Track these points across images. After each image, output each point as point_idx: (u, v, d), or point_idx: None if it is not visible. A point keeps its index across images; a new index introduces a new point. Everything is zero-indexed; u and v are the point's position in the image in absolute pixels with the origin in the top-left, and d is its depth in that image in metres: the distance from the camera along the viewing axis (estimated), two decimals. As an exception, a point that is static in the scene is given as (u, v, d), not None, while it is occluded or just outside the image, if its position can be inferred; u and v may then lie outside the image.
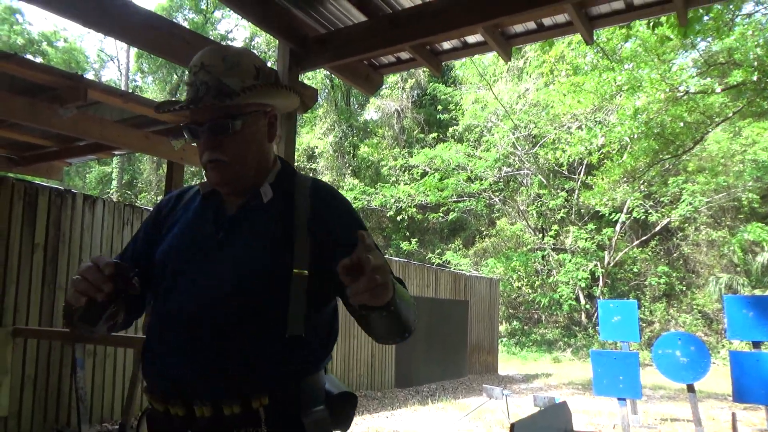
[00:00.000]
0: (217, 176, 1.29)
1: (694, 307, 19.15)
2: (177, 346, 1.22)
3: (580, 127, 17.48)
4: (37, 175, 6.08)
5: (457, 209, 20.70)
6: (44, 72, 3.41)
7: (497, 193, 21.07)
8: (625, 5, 3.02)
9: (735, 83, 11.62)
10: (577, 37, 3.97)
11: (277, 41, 3.45)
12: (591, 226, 19.79)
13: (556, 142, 18.31)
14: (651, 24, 5.41)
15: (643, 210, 18.41)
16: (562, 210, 20.34)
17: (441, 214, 20.86)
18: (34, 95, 3.60)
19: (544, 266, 20.42)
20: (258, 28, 4.80)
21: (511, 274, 20.33)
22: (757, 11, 12.24)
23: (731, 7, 10.53)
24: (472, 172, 19.58)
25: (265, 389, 1.19)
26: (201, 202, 1.37)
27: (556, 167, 19.90)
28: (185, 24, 25.54)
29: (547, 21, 3.20)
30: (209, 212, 1.34)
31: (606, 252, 19.66)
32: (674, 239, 20.67)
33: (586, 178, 19.47)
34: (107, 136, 4.02)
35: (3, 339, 4.90)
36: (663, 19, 5.18)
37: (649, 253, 20.32)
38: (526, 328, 21.37)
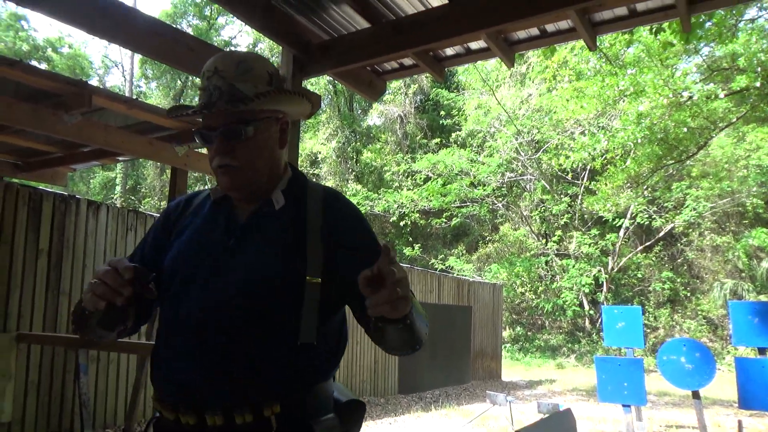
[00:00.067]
0: (228, 181, 1.29)
1: (699, 312, 19.06)
2: (187, 353, 1.21)
3: (583, 133, 17.46)
4: (42, 181, 6.10)
5: (460, 215, 20.68)
6: (49, 78, 3.43)
7: (500, 199, 21.05)
8: (628, 11, 3.02)
9: (738, 89, 11.60)
10: (580, 42, 3.96)
11: (281, 47, 3.47)
12: (594, 231, 19.75)
13: (559, 147, 18.29)
14: (653, 30, 5.41)
15: (646, 215, 18.37)
16: (566, 215, 20.31)
17: (444, 220, 20.85)
18: (38, 101, 3.62)
19: (548, 272, 20.37)
20: (261, 35, 4.82)
21: (515, 280, 20.29)
22: (760, 16, 12.24)
23: (734, 12, 10.53)
24: (475, 177, 19.57)
25: (277, 397, 1.18)
26: (211, 208, 1.36)
27: (559, 173, 19.88)
28: (189, 30, 25.66)
29: (550, 27, 3.20)
30: (220, 218, 1.33)
31: (610, 257, 19.61)
32: (678, 245, 20.60)
33: (590, 183, 19.44)
34: (111, 142, 4.03)
35: (7, 344, 4.91)
36: (665, 24, 5.18)
37: (653, 259, 20.25)
38: (529, 333, 21.30)
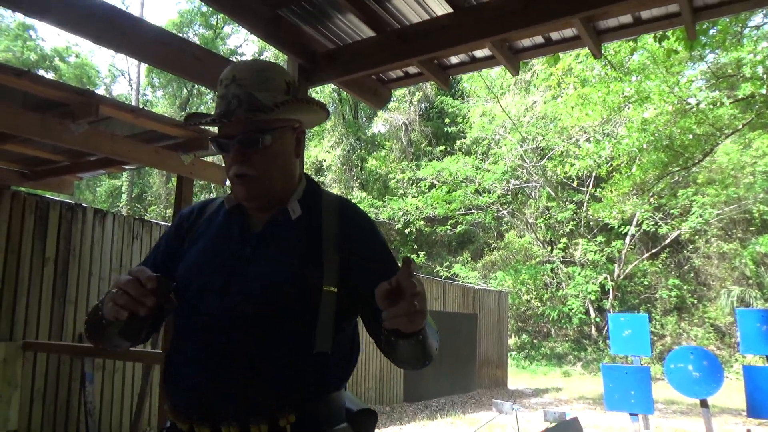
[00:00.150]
0: (244, 191, 1.28)
1: (706, 320, 18.93)
2: (202, 362, 1.20)
3: (588, 140, 17.45)
4: (48, 190, 6.12)
5: (465, 222, 20.66)
6: (57, 88, 3.44)
7: (505, 206, 21.03)
8: (633, 19, 3.02)
9: (744, 96, 11.58)
10: (585, 50, 3.98)
11: (286, 56, 3.48)
12: (600, 238, 19.68)
13: (564, 155, 18.27)
14: (658, 37, 5.40)
15: (652, 222, 18.29)
16: (571, 222, 20.25)
17: (449, 227, 20.83)
18: (46, 111, 3.64)
19: (553, 279, 20.30)
20: (266, 43, 4.84)
21: (520, 287, 20.22)
22: (765, 23, 12.22)
23: (740, 17, 10.52)
24: (480, 184, 19.56)
25: (292, 406, 1.17)
26: (225, 217, 1.36)
27: (564, 180, 19.85)
28: (195, 39, 25.85)
29: (554, 35, 3.20)
30: (234, 227, 1.33)
31: (616, 265, 19.52)
32: (685, 252, 20.50)
33: (595, 190, 19.39)
34: (118, 151, 4.04)
35: (13, 353, 4.92)
36: (669, 32, 5.18)
37: (660, 266, 20.15)
38: (535, 341, 21.20)
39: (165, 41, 2.93)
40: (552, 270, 20.14)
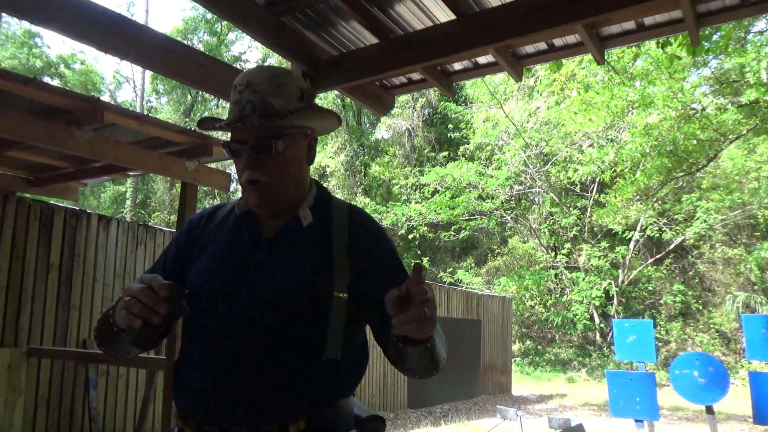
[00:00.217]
0: (256, 197, 1.28)
1: (711, 326, 18.84)
2: (213, 368, 1.20)
3: (591, 145, 17.43)
4: (53, 196, 6.15)
5: (468, 227, 20.65)
6: (62, 95, 3.47)
7: (509, 212, 21.01)
8: (636, 25, 3.02)
9: (748, 101, 11.57)
10: (588, 56, 3.98)
11: (290, 63, 3.49)
12: (604, 244, 19.63)
13: (567, 160, 18.25)
14: (661, 43, 5.40)
15: (657, 228, 18.25)
16: (575, 228, 20.21)
17: (452, 233, 20.82)
18: (51, 118, 3.66)
19: (557, 285, 20.25)
20: (270, 50, 4.86)
21: (524, 293, 20.18)
22: (768, 29, 12.20)
23: (745, 22, 10.52)
24: (483, 190, 19.55)
25: (301, 412, 1.17)
26: (236, 223, 1.36)
27: (568, 185, 19.83)
28: (200, 46, 25.99)
29: (558, 41, 3.20)
30: (245, 233, 1.33)
31: (620, 270, 19.46)
32: (689, 257, 20.43)
33: (599, 196, 19.37)
34: (122, 157, 4.06)
35: (17, 359, 4.93)
36: (672, 38, 5.18)
37: (664, 272, 20.08)
38: (539, 347, 21.13)
39: (170, 48, 2.95)
40: (556, 276, 20.10)
